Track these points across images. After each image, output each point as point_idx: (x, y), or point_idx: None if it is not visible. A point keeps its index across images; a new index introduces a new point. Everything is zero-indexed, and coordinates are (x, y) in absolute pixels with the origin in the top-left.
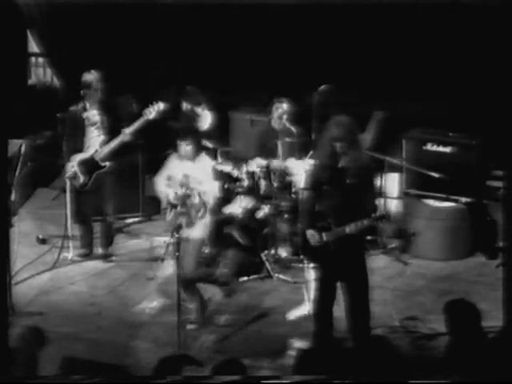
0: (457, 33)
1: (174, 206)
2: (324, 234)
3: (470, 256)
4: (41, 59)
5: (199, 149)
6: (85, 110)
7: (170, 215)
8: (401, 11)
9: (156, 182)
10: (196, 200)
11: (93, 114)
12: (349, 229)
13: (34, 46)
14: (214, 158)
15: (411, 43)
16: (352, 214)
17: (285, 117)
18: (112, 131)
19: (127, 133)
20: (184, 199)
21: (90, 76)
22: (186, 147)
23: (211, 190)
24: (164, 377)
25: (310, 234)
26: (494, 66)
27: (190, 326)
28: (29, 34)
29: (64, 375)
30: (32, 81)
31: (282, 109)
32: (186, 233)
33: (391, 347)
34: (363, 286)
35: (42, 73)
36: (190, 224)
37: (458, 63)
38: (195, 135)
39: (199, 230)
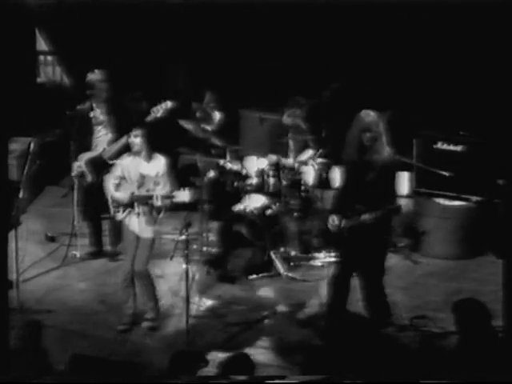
0: (464, 32)
1: (128, 206)
2: (343, 221)
3: (481, 255)
4: (50, 57)
5: (153, 146)
6: (92, 109)
7: (123, 214)
8: (410, 10)
9: (105, 181)
10: (158, 202)
11: (99, 113)
12: (363, 218)
13: (42, 45)
14: (224, 155)
15: (421, 42)
16: (372, 205)
17: (297, 114)
18: (119, 130)
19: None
20: (144, 200)
21: (94, 76)
22: (134, 139)
23: (184, 192)
24: (172, 375)
25: (332, 219)
26: (503, 64)
27: (146, 324)
28: (37, 32)
29: (71, 373)
30: (41, 79)
31: (294, 106)
32: (143, 233)
33: (401, 346)
34: (376, 276)
35: (50, 71)
36: (148, 223)
37: (467, 62)
38: (147, 128)
39: (152, 231)
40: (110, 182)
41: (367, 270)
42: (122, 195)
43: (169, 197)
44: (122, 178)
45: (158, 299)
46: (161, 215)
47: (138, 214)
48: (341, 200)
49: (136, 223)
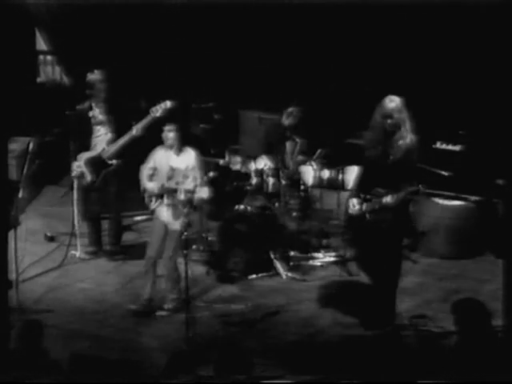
0: (463, 31)
1: (159, 197)
2: (364, 205)
3: (480, 254)
4: (49, 57)
5: (184, 140)
6: (91, 108)
7: (155, 204)
8: (409, 10)
9: (141, 171)
10: (182, 196)
11: (98, 113)
12: (385, 201)
13: (42, 44)
14: (223, 155)
15: (419, 42)
16: (393, 188)
17: (296, 114)
18: (119, 129)
19: (134, 131)
20: (171, 193)
21: (94, 76)
22: (168, 133)
23: (203, 188)
24: (172, 375)
25: (352, 203)
26: (501, 64)
27: (161, 313)
28: (37, 32)
29: (71, 373)
30: (41, 79)
31: (292, 107)
32: (171, 225)
33: (400, 345)
34: (395, 258)
35: (50, 71)
36: (175, 216)
37: (466, 61)
38: (180, 123)
39: (181, 224)
40: (143, 173)
41: (386, 257)
42: (153, 186)
43: (190, 191)
44: (155, 169)
45: (181, 291)
46: (186, 209)
47: (168, 206)
48: (361, 184)
49: (165, 214)
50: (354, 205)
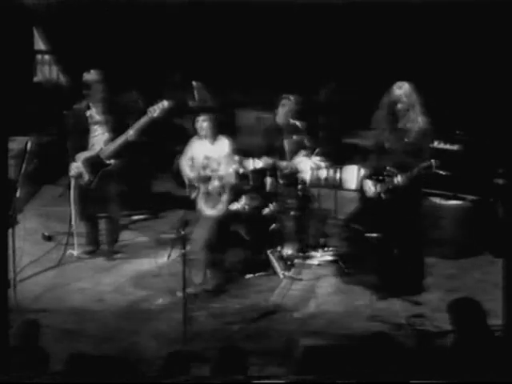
0: (460, 31)
1: (195, 187)
2: (378, 186)
3: (477, 254)
4: (47, 56)
5: (218, 128)
6: (88, 108)
7: (194, 194)
8: (403, 9)
9: (180, 163)
10: (216, 183)
11: (95, 113)
12: (396, 180)
13: (39, 44)
14: None
15: (417, 41)
16: (406, 169)
17: (290, 113)
18: (116, 129)
19: (132, 131)
20: (205, 181)
21: (90, 76)
22: (202, 123)
23: (229, 172)
24: (170, 375)
25: (367, 185)
26: (500, 64)
27: (190, 290)
28: (35, 31)
29: (69, 372)
30: (38, 78)
31: (287, 105)
32: (206, 211)
33: (397, 345)
34: (413, 236)
35: (47, 70)
36: (210, 204)
37: (464, 61)
38: (213, 112)
39: (217, 210)
40: (183, 164)
41: (405, 234)
42: (192, 176)
43: (223, 177)
44: (192, 159)
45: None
46: (226, 196)
47: (204, 194)
48: (373, 165)
49: (200, 202)
50: (370, 187)
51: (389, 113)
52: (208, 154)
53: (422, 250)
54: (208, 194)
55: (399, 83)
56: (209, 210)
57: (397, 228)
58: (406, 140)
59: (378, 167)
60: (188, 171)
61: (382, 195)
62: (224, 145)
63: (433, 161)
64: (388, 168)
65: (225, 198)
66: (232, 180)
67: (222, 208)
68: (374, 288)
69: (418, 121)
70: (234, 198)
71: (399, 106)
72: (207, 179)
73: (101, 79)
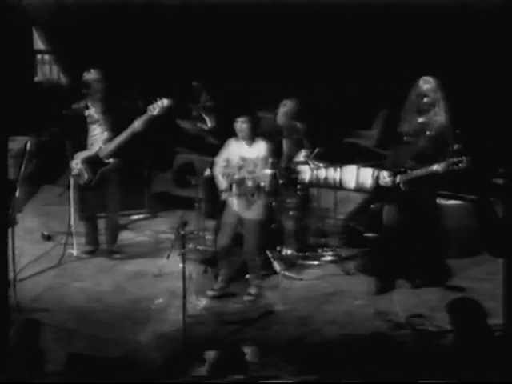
0: (457, 32)
1: (230, 188)
2: (398, 176)
3: (477, 253)
4: (47, 56)
5: (256, 131)
6: (87, 108)
7: (224, 195)
8: (400, 11)
9: (215, 164)
10: (250, 183)
11: (94, 112)
12: (435, 168)
13: (39, 44)
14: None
15: (416, 41)
16: (429, 162)
17: (291, 114)
18: (115, 128)
19: (131, 130)
20: (240, 182)
21: (90, 76)
22: (242, 125)
23: (265, 174)
24: (169, 375)
25: (383, 175)
26: (499, 64)
27: (247, 298)
28: (34, 31)
29: (68, 372)
30: (38, 78)
31: (288, 106)
32: (244, 214)
33: (396, 344)
34: (431, 226)
35: (48, 70)
36: (247, 206)
37: (463, 61)
38: (254, 114)
39: (255, 212)
40: (218, 165)
41: (422, 221)
42: (224, 178)
43: (254, 179)
44: (227, 161)
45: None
46: (259, 198)
47: (239, 196)
48: (394, 157)
49: (236, 204)
50: (385, 177)
51: (415, 107)
52: (244, 156)
53: (436, 245)
54: (242, 195)
55: (426, 78)
56: (247, 213)
57: (413, 220)
58: (427, 133)
59: (398, 159)
60: (221, 172)
61: (402, 186)
62: (261, 147)
63: (465, 158)
64: (409, 161)
65: (261, 200)
66: (267, 182)
67: (262, 212)
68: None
69: (441, 116)
70: (271, 200)
71: (425, 100)
72: (242, 181)
73: (100, 79)
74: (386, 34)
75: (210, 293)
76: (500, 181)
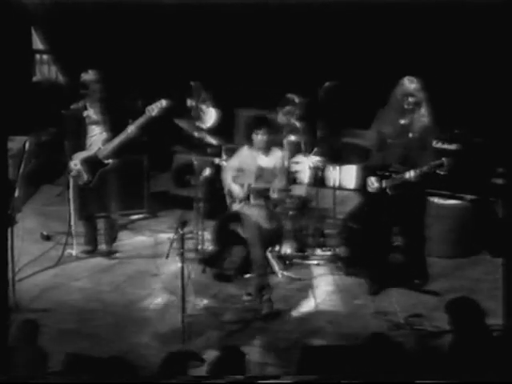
0: (459, 31)
1: (245, 198)
2: (384, 181)
3: (476, 253)
4: (45, 56)
5: (273, 141)
6: (85, 108)
7: (238, 205)
8: (404, 8)
9: (224, 171)
10: (275, 195)
11: (93, 113)
12: (408, 175)
13: (38, 43)
14: (219, 154)
15: (415, 40)
16: (411, 165)
17: (293, 113)
18: (114, 129)
19: (130, 130)
20: (261, 192)
21: (88, 76)
22: (262, 137)
23: (284, 185)
24: (168, 375)
25: (370, 181)
26: (498, 63)
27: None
28: (33, 31)
29: (67, 372)
30: (37, 78)
31: (289, 105)
32: (264, 225)
33: (395, 344)
34: (419, 231)
35: (46, 70)
36: (266, 216)
37: (463, 60)
38: (273, 125)
39: (275, 223)
40: (227, 174)
41: (410, 229)
42: (239, 187)
43: (286, 190)
44: (240, 170)
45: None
46: (277, 208)
47: (259, 206)
48: (378, 161)
49: (256, 214)
50: (373, 182)
51: (399, 108)
52: (262, 165)
53: (425, 246)
54: (264, 205)
55: (410, 77)
56: (266, 223)
57: (401, 224)
58: (410, 135)
59: (382, 163)
60: (232, 181)
61: (388, 191)
62: (277, 156)
63: (444, 159)
64: (394, 165)
65: (279, 211)
66: (302, 192)
67: (280, 222)
68: (371, 284)
69: (424, 117)
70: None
71: (411, 99)
72: (264, 191)
73: (99, 79)
74: (385, 32)
75: (245, 298)
76: (499, 181)
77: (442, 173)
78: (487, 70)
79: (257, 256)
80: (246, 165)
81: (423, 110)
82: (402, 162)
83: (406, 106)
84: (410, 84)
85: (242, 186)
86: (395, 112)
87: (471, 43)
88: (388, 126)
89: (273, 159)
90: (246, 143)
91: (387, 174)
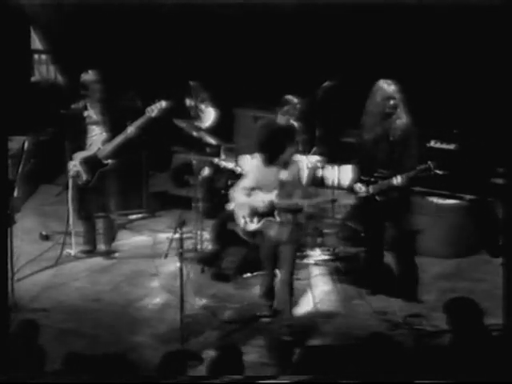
0: (459, 32)
1: (265, 214)
2: (370, 187)
3: (474, 253)
4: (44, 56)
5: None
6: (86, 108)
7: (258, 224)
8: (402, 9)
9: (235, 190)
10: (308, 209)
11: (93, 113)
12: (395, 181)
13: (37, 43)
14: (218, 154)
15: (413, 40)
16: (396, 169)
17: (291, 113)
18: (114, 129)
19: (129, 131)
20: (287, 208)
21: (88, 77)
22: (290, 151)
23: (304, 197)
24: (166, 374)
25: (358, 186)
26: (497, 64)
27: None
28: (32, 31)
29: (66, 371)
30: (35, 78)
31: (288, 105)
32: (282, 239)
33: (394, 344)
34: (408, 237)
35: (45, 70)
36: (288, 232)
37: (461, 60)
38: (294, 139)
39: (295, 239)
40: (238, 193)
41: (398, 235)
42: (258, 203)
43: (314, 205)
44: (256, 187)
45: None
46: (295, 222)
47: (280, 223)
48: (363, 167)
49: (278, 231)
50: (361, 188)
51: (379, 112)
52: (283, 179)
53: (415, 250)
54: (283, 221)
55: (386, 81)
56: (287, 239)
57: (390, 229)
58: (391, 139)
59: (368, 169)
60: (247, 199)
61: (377, 197)
62: (296, 168)
63: (430, 162)
64: (379, 170)
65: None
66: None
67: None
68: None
69: (403, 119)
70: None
71: (392, 102)
72: (292, 207)
73: (98, 80)
74: (382, 32)
75: (260, 313)
76: (498, 180)
77: (431, 173)
78: (485, 69)
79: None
80: (264, 181)
81: (400, 112)
82: (386, 166)
83: (386, 110)
84: (388, 87)
85: (259, 203)
86: (375, 117)
87: (470, 43)
88: (369, 131)
89: (292, 171)
90: (262, 156)
91: (373, 179)
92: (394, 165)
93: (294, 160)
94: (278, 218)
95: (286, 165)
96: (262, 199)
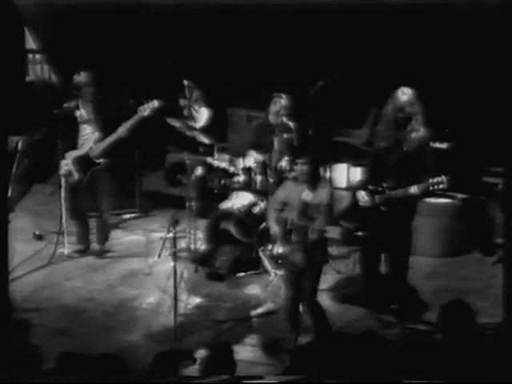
0: (455, 32)
1: (288, 233)
2: (376, 197)
3: (467, 253)
4: (38, 56)
5: (319, 171)
6: (78, 108)
7: (283, 248)
8: (399, 11)
9: (269, 206)
10: (314, 235)
11: (85, 112)
12: (412, 190)
13: (31, 43)
14: (211, 153)
15: (409, 40)
16: (407, 181)
17: (282, 112)
18: (106, 128)
19: (122, 130)
20: (300, 230)
21: (80, 78)
22: (302, 167)
23: (325, 224)
24: (160, 374)
25: (361, 195)
26: (494, 63)
27: None
28: (26, 30)
29: (60, 371)
30: (30, 77)
31: (280, 104)
32: (302, 261)
33: (387, 344)
34: (406, 249)
35: (39, 69)
36: (307, 255)
37: (456, 59)
38: (314, 154)
39: (314, 261)
40: (271, 208)
41: (398, 244)
42: (278, 227)
43: (322, 231)
44: (285, 203)
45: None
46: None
47: (298, 243)
48: (371, 176)
49: (295, 252)
50: (364, 196)
51: (391, 122)
52: (307, 200)
53: (409, 257)
54: (302, 243)
55: (404, 89)
56: (309, 262)
57: (391, 238)
58: (404, 149)
59: (376, 178)
60: (275, 217)
61: (382, 207)
62: (325, 192)
63: (444, 177)
64: (388, 180)
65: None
66: (336, 235)
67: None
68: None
69: (419, 131)
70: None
71: (402, 114)
72: (304, 229)
73: (91, 81)
74: (378, 32)
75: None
76: (490, 179)
77: (444, 187)
78: (481, 68)
79: (289, 295)
80: (290, 199)
81: (417, 124)
82: (396, 178)
83: (398, 120)
84: (402, 96)
85: (285, 221)
86: (387, 126)
87: (464, 42)
88: (381, 140)
89: (319, 194)
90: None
91: (380, 189)
92: (404, 176)
93: (324, 183)
94: (294, 238)
95: (312, 186)
96: (287, 217)
